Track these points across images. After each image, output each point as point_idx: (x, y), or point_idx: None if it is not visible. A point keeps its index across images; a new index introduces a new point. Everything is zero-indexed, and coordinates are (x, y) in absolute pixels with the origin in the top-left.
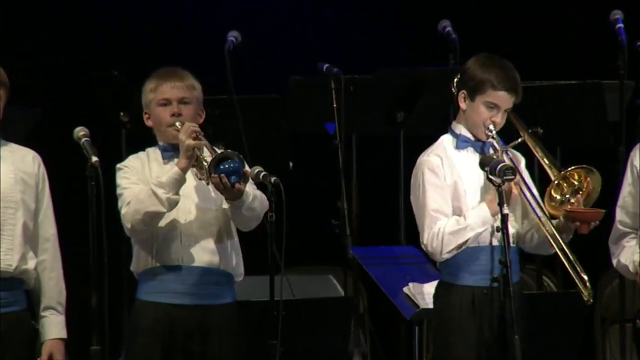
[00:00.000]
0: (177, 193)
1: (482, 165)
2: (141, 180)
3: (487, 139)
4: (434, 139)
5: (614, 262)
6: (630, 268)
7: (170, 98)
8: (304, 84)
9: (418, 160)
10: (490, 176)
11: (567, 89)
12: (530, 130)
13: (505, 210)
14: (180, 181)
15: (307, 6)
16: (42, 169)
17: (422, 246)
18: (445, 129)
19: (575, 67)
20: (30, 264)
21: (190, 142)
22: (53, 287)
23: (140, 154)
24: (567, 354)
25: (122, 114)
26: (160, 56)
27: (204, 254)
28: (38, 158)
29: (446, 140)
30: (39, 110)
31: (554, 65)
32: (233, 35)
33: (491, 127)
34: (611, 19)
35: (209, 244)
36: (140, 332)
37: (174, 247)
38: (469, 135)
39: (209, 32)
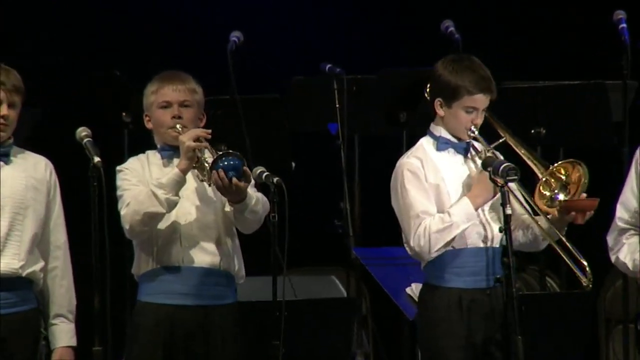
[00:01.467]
0: (176, 194)
1: (485, 165)
2: (141, 182)
3: (469, 139)
4: None
5: (613, 258)
6: (630, 266)
7: (171, 101)
8: (306, 84)
9: (397, 164)
10: (493, 176)
11: (569, 89)
12: (532, 131)
13: (508, 211)
14: (180, 182)
15: (309, 6)
16: (54, 176)
17: (408, 248)
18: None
19: (578, 67)
20: (36, 267)
21: (191, 143)
22: (64, 294)
23: (140, 156)
24: (571, 354)
25: (123, 114)
26: (161, 56)
27: (204, 255)
28: (50, 165)
29: (426, 142)
30: (39, 111)
31: (556, 65)
32: (236, 36)
33: (473, 128)
34: (614, 19)
35: (210, 245)
36: (142, 333)
37: (174, 249)
38: (449, 137)
39: (211, 32)
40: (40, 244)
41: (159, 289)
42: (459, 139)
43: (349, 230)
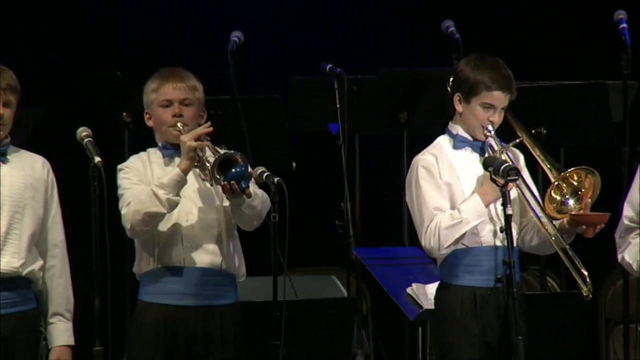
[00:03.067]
0: (177, 194)
1: (486, 165)
2: (142, 181)
3: (486, 138)
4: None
5: (619, 257)
6: (635, 267)
7: (172, 99)
8: (306, 84)
9: (413, 160)
10: (494, 176)
11: (569, 89)
12: (533, 131)
13: (509, 211)
14: (181, 182)
15: (309, 6)
16: (51, 175)
17: (422, 244)
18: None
19: (578, 67)
20: (35, 266)
21: (192, 143)
22: (61, 293)
23: (141, 154)
24: (571, 354)
25: (124, 114)
26: (161, 56)
27: (205, 255)
28: (47, 164)
29: (443, 140)
30: (40, 110)
31: (557, 66)
32: (236, 36)
33: (489, 127)
34: (615, 19)
35: (211, 245)
36: (143, 334)
37: (175, 249)
38: (467, 135)
39: (211, 32)
40: (38, 243)
41: (160, 289)
42: (476, 138)
43: (350, 230)
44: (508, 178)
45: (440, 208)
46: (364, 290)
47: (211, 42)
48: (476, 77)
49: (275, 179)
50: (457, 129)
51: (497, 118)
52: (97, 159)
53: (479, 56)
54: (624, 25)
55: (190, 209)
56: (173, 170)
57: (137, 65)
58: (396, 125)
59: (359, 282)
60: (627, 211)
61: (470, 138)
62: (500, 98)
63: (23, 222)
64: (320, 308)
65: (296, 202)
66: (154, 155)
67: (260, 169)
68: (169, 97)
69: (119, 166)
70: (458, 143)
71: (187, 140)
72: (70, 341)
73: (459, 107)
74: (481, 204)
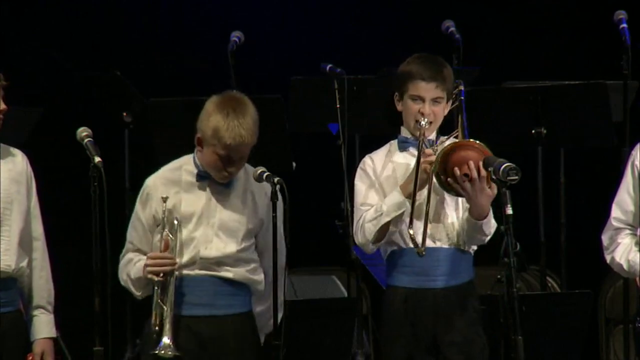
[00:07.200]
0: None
1: (486, 165)
2: (145, 231)
3: (418, 135)
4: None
5: (608, 258)
6: (625, 267)
7: (231, 156)
8: (306, 84)
9: None
10: (494, 176)
11: (569, 89)
12: (533, 131)
13: (509, 211)
14: (143, 280)
15: (309, 6)
16: (29, 167)
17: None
18: (448, 128)
19: (578, 67)
20: (24, 263)
21: (154, 277)
22: (43, 286)
23: (175, 172)
24: (571, 354)
25: (124, 114)
26: (161, 56)
27: (221, 270)
28: (25, 157)
29: (392, 143)
30: (40, 110)
31: (557, 66)
32: (236, 36)
33: (422, 121)
34: (615, 19)
35: (228, 266)
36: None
37: (191, 267)
38: (408, 135)
39: (211, 32)
40: (24, 237)
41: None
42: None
43: (350, 230)
44: (509, 178)
45: (369, 203)
46: (364, 290)
47: (211, 42)
48: (404, 71)
49: (276, 179)
50: (403, 130)
51: (427, 109)
52: (97, 159)
53: (416, 54)
54: (624, 25)
55: (210, 237)
56: (140, 265)
57: (137, 65)
58: (396, 125)
59: (359, 282)
60: (616, 212)
61: (411, 137)
62: (425, 88)
63: (12, 218)
64: (320, 308)
65: (296, 202)
66: (186, 173)
67: (260, 169)
68: (227, 153)
69: (143, 189)
70: (400, 144)
71: (148, 273)
72: (53, 333)
73: (398, 107)
74: (400, 195)
